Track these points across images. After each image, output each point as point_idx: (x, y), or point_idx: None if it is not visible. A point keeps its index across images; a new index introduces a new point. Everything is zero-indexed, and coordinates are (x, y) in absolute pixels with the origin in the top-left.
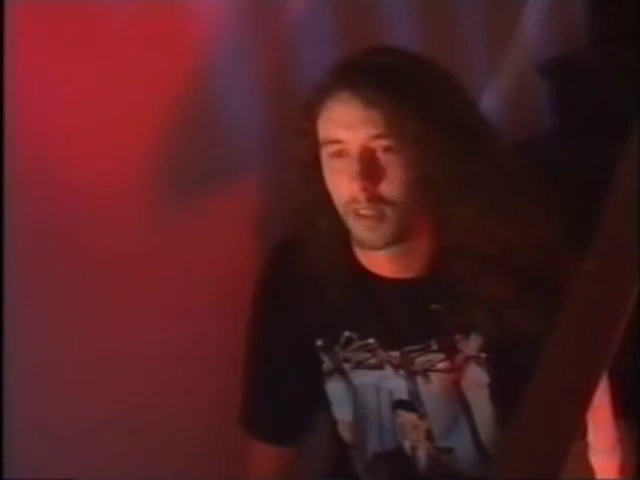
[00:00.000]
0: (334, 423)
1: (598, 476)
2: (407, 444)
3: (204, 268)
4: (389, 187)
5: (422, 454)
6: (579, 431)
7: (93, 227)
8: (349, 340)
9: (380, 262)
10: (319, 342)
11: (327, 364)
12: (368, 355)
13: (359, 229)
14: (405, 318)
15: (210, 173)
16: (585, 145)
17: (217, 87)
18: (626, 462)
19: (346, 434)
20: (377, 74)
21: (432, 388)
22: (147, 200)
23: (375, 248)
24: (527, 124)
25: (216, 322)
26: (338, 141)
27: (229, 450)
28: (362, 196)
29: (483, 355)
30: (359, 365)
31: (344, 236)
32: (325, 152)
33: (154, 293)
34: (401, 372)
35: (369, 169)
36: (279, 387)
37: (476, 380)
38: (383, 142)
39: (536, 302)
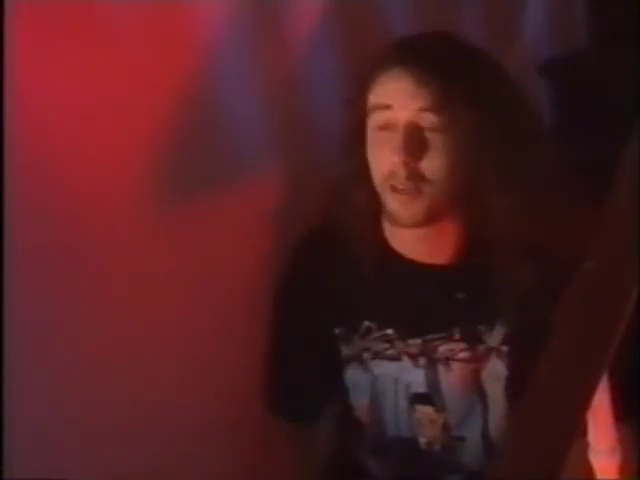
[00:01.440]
0: (348, 408)
1: (598, 476)
2: (422, 440)
3: (209, 268)
4: (429, 165)
5: (437, 446)
6: (579, 431)
7: (96, 228)
8: (368, 330)
9: (410, 243)
10: (337, 331)
11: (345, 352)
12: (387, 345)
13: (393, 203)
14: (430, 304)
15: (214, 173)
16: (585, 145)
17: (221, 87)
18: (626, 462)
19: (363, 417)
20: (429, 55)
21: (452, 377)
22: (150, 201)
23: (406, 225)
24: None
25: (225, 322)
26: (388, 107)
27: (235, 450)
28: (402, 171)
29: (504, 348)
30: (377, 355)
31: (377, 214)
32: (372, 122)
33: (159, 294)
34: (421, 361)
35: (413, 144)
36: (297, 370)
37: (495, 372)
38: (430, 118)
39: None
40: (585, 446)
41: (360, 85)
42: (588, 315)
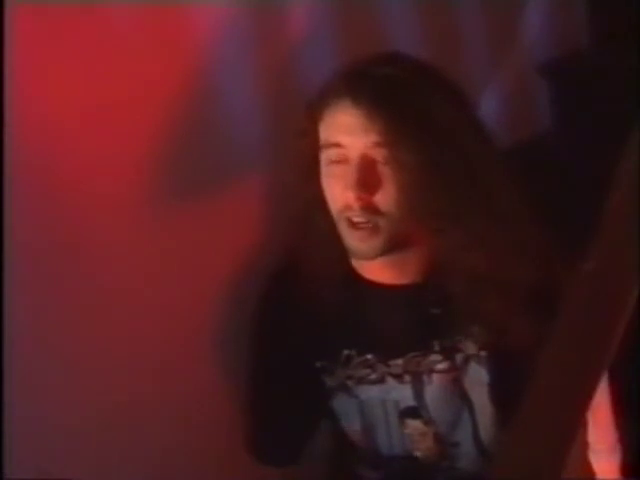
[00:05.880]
0: (341, 433)
1: (598, 476)
2: (418, 454)
3: (205, 268)
4: (384, 198)
5: (433, 457)
6: (579, 431)
7: (94, 227)
8: (348, 358)
9: (375, 269)
10: (318, 364)
11: (329, 383)
12: (368, 371)
13: (351, 240)
14: (405, 323)
15: (212, 174)
16: (585, 145)
17: (219, 89)
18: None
19: (356, 441)
20: (380, 87)
21: (435, 389)
22: (149, 201)
23: (368, 259)
24: (527, 124)
25: (218, 322)
26: (339, 145)
27: (231, 445)
28: (356, 205)
29: (483, 354)
30: (361, 381)
31: (340, 241)
32: (324, 156)
33: (155, 293)
34: (406, 378)
35: (366, 178)
36: (282, 411)
37: (477, 378)
38: (382, 151)
39: (530, 316)
40: (585, 446)
41: (312, 115)
42: (588, 315)
